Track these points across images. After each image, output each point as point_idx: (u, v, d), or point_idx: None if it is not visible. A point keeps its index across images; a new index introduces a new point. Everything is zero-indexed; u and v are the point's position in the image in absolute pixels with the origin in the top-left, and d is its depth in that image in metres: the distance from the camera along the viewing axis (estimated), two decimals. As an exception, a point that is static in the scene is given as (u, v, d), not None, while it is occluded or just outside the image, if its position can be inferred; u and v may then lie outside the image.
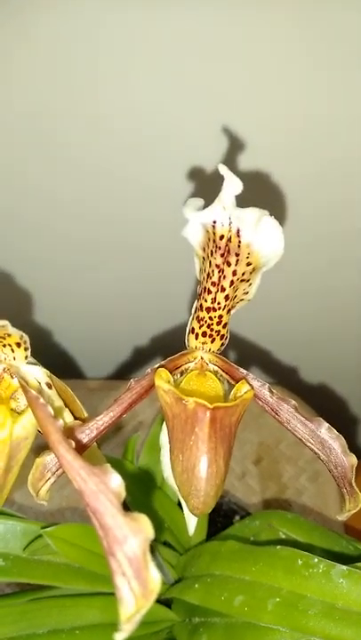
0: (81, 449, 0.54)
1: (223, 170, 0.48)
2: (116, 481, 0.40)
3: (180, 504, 0.87)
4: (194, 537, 0.90)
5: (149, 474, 0.93)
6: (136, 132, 1.04)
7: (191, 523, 0.58)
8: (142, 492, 0.90)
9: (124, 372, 1.35)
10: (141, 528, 0.38)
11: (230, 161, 1.04)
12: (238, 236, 0.53)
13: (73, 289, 1.26)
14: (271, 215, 0.51)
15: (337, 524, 1.14)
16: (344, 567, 0.58)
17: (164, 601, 0.85)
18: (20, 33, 0.94)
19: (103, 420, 0.56)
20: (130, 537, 0.38)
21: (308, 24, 0.92)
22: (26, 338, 0.50)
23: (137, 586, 0.37)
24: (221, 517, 1.02)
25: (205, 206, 0.52)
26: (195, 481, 0.50)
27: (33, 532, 0.79)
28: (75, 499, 1.14)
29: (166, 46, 0.95)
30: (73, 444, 0.43)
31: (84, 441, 0.54)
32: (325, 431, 0.55)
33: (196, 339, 0.61)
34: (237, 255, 0.54)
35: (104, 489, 0.40)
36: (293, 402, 0.57)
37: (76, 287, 1.26)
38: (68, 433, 0.53)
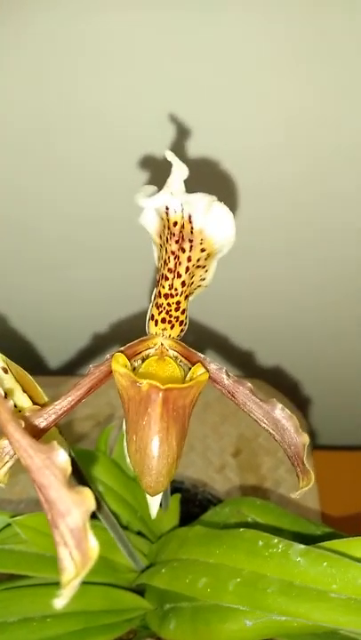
0: (40, 432, 0.55)
1: (170, 156, 0.49)
2: (61, 457, 0.41)
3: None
4: (166, 525, 0.91)
5: (122, 464, 0.94)
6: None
7: (152, 504, 0.59)
8: (115, 483, 0.91)
9: (84, 359, 1.36)
10: (83, 500, 0.39)
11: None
12: (190, 222, 0.54)
13: (33, 277, 1.28)
14: (220, 201, 0.53)
15: (314, 513, 1.15)
16: (302, 546, 0.59)
17: (137, 590, 0.86)
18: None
19: (62, 405, 0.57)
20: (72, 509, 0.39)
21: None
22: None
23: (77, 555, 0.38)
24: (197, 508, 1.03)
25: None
26: (147, 460, 0.51)
27: (1, 523, 0.80)
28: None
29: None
30: (22, 423, 0.44)
31: (42, 425, 0.55)
32: (279, 412, 0.57)
33: (156, 325, 0.62)
34: (191, 241, 0.56)
35: (49, 464, 0.41)
36: (249, 384, 0.58)
37: (36, 275, 1.28)
38: (26, 416, 0.54)
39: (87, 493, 0.39)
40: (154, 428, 0.51)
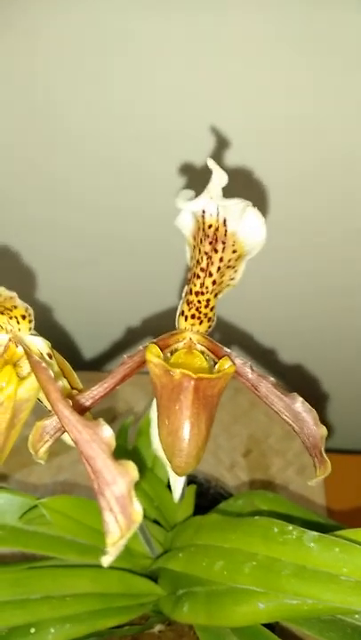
0: (81, 413, 0.60)
1: (211, 163, 0.54)
2: (107, 432, 0.46)
3: (169, 486, 0.92)
4: (181, 515, 0.95)
5: (141, 456, 0.98)
6: (136, 127, 1.10)
7: (177, 487, 0.63)
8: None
9: (117, 350, 1.41)
10: (128, 471, 0.43)
11: (234, 155, 1.10)
12: (225, 225, 0.58)
13: (73, 273, 1.33)
14: (255, 207, 0.57)
15: (320, 509, 1.19)
16: (315, 533, 0.62)
17: (150, 575, 0.89)
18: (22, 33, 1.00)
19: (98, 391, 0.61)
20: (118, 478, 0.43)
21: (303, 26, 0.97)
22: (31, 311, 0.55)
23: (122, 519, 0.42)
24: (209, 502, 1.06)
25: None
26: (178, 442, 0.55)
27: (29, 506, 0.84)
28: (69, 482, 1.20)
29: (165, 46, 1.00)
30: (70, 402, 0.49)
31: (82, 407, 0.60)
32: (300, 405, 0.61)
33: (186, 320, 0.66)
34: (224, 243, 0.60)
35: (97, 438, 0.45)
36: (272, 379, 0.63)
37: (76, 271, 1.33)
38: (71, 395, 0.58)
39: (131, 465, 0.43)
40: (185, 412, 0.55)
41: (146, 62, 1.02)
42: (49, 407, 0.59)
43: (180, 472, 0.57)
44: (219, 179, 0.54)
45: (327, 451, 0.62)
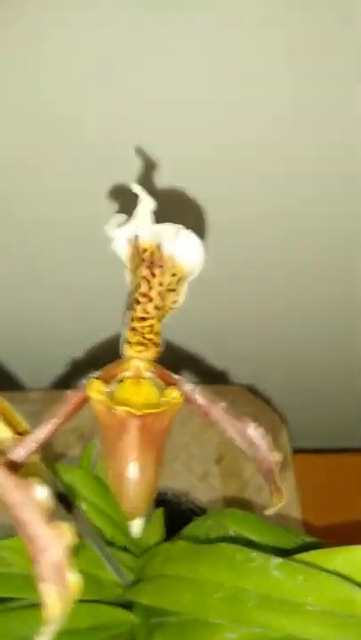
0: (20, 463, 0.56)
1: (137, 189, 0.51)
2: (40, 493, 0.43)
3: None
4: (151, 539, 0.92)
5: (105, 481, 0.94)
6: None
7: (133, 527, 0.61)
8: (99, 499, 0.92)
9: (61, 385, 1.38)
10: (63, 536, 0.40)
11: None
12: (160, 249, 0.55)
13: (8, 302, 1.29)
14: (188, 228, 0.54)
15: (295, 521, 1.18)
16: (279, 560, 0.60)
17: (124, 603, 0.87)
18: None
19: (42, 433, 0.58)
20: (52, 545, 0.40)
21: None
22: None
23: (59, 589, 0.39)
24: (179, 518, 1.04)
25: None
26: (126, 485, 0.53)
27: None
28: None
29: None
30: (2, 459, 0.45)
31: (23, 455, 0.56)
32: (252, 430, 0.58)
33: (131, 348, 0.63)
34: (161, 267, 0.57)
35: (28, 501, 0.42)
36: (222, 404, 0.60)
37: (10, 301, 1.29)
38: (5, 449, 0.54)
39: (65, 529, 0.40)
40: (131, 454, 0.52)
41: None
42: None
43: (130, 517, 0.55)
44: (146, 204, 0.51)
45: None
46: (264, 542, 0.77)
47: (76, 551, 0.85)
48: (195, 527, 0.88)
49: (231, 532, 0.81)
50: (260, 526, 0.80)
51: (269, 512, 0.60)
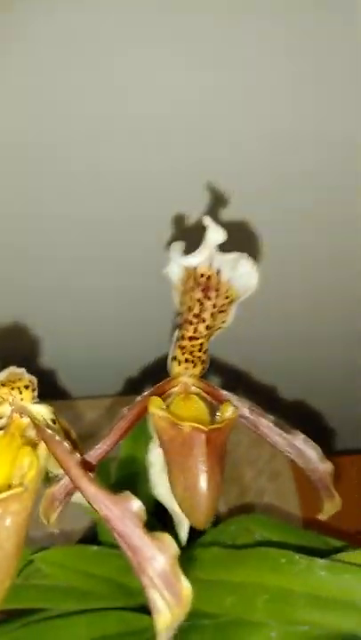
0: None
1: (207, 220, 0.54)
2: (137, 506, 0.45)
3: (159, 519, 0.92)
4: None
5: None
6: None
7: (184, 530, 0.64)
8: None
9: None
10: (167, 546, 0.43)
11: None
12: (218, 274, 0.59)
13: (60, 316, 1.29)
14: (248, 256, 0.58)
15: (295, 518, 1.23)
16: (323, 561, 0.65)
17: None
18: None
19: (102, 449, 0.61)
20: (159, 554, 0.43)
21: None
22: (34, 380, 0.53)
23: (170, 597, 0.42)
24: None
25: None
26: (197, 497, 0.56)
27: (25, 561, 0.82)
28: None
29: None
30: (92, 475, 0.48)
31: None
32: (302, 442, 0.63)
33: (179, 365, 0.67)
34: (217, 291, 0.60)
35: (128, 514, 0.45)
36: (271, 417, 0.64)
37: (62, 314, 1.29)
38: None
39: (168, 539, 0.43)
40: (202, 467, 0.56)
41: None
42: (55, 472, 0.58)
43: (200, 525, 0.58)
44: (215, 235, 0.54)
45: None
46: (292, 545, 0.82)
47: (104, 559, 0.88)
48: (217, 533, 0.92)
49: (257, 537, 0.85)
50: (285, 530, 0.85)
51: (323, 517, 0.64)
